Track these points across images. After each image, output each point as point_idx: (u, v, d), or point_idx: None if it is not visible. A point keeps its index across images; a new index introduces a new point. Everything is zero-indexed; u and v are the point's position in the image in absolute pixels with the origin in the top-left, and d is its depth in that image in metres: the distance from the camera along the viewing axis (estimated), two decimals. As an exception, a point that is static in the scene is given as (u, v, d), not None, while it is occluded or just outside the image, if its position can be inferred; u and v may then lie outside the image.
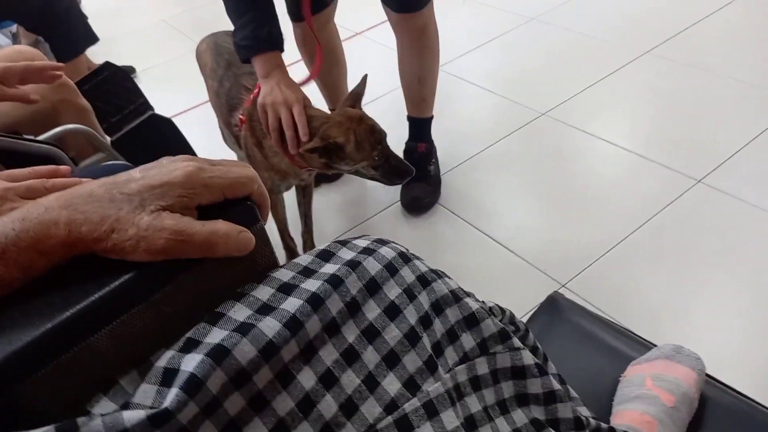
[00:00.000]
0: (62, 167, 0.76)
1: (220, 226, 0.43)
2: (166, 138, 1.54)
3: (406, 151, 1.89)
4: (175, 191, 0.43)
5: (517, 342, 0.57)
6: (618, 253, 1.58)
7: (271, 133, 1.30)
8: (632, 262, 1.55)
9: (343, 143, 1.26)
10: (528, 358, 0.56)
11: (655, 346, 0.85)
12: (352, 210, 1.90)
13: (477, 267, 1.62)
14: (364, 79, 1.39)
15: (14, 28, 2.77)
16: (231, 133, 1.58)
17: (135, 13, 3.52)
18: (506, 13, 2.84)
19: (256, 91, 1.38)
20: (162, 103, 1.66)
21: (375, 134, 1.29)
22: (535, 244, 1.65)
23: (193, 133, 1.51)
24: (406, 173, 1.37)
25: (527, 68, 2.45)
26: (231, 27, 1.44)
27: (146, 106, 1.78)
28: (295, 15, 1.74)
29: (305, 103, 1.31)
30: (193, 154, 1.59)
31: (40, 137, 1.31)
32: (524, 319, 1.36)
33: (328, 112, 1.33)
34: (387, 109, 2.28)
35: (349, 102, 1.35)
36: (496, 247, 1.66)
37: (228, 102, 1.50)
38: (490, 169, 1.96)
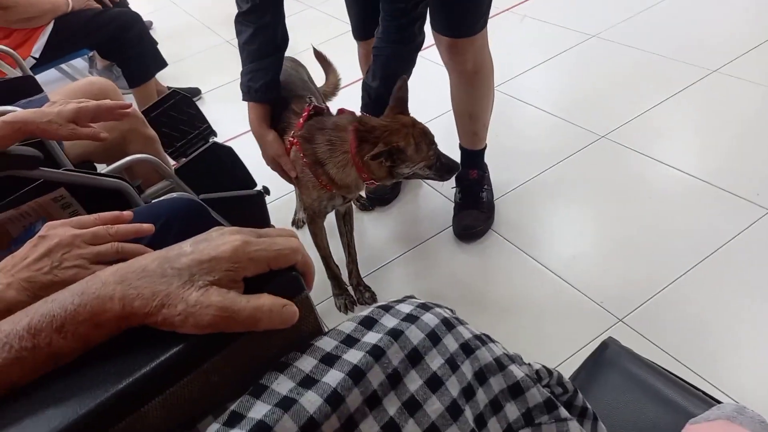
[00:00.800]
0: (125, 213, 0.81)
1: (264, 300, 0.44)
2: (226, 165, 1.59)
3: (457, 178, 1.88)
4: (222, 266, 0.44)
5: (563, 412, 0.55)
6: (681, 287, 1.51)
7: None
8: (696, 297, 1.48)
9: (404, 147, 1.35)
10: (575, 429, 0.55)
11: (716, 401, 0.81)
12: (404, 235, 1.90)
13: (530, 297, 1.59)
14: (404, 82, 1.43)
15: (91, 53, 2.94)
16: None
17: (202, 34, 3.67)
18: (566, 31, 2.79)
19: (305, 114, 1.43)
20: (226, 123, 1.73)
21: (428, 136, 1.40)
22: (591, 275, 1.60)
23: (256, 151, 1.56)
24: (454, 169, 1.47)
25: (587, 88, 2.39)
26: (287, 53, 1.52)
27: (209, 130, 1.86)
28: (360, 35, 1.76)
29: (362, 118, 1.41)
30: (251, 179, 1.64)
31: (110, 167, 1.39)
32: (576, 358, 1.34)
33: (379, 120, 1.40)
34: (440, 131, 2.26)
35: (397, 109, 1.42)
36: (551, 277, 1.63)
37: (277, 125, 1.55)
38: (545, 194, 1.92)
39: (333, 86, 1.93)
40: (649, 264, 1.59)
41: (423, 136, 1.39)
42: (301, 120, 1.44)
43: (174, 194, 1.30)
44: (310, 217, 1.58)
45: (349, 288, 1.70)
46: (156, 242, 0.96)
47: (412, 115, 1.44)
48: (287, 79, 1.58)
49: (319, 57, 1.90)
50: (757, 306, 1.43)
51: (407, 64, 1.42)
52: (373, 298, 1.68)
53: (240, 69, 1.48)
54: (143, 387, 0.42)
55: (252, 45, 1.42)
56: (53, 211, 1.17)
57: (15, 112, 1.11)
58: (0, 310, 0.59)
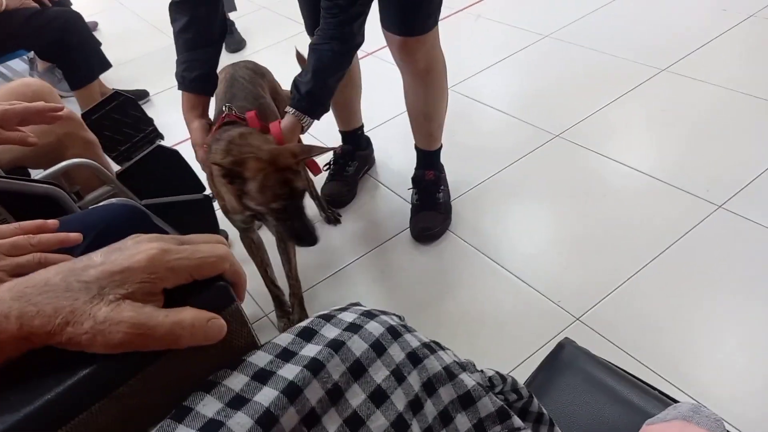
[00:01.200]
0: (50, 222, 0.74)
1: (186, 315, 0.40)
2: (172, 169, 1.53)
3: (414, 179, 1.86)
4: (136, 277, 0.40)
5: (517, 421, 0.53)
6: (636, 284, 1.52)
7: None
8: (652, 294, 1.49)
9: (248, 177, 1.19)
10: (529, 438, 0.52)
11: (674, 401, 0.80)
12: (361, 237, 1.86)
13: (487, 298, 1.58)
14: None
15: (31, 54, 2.80)
16: None
17: (151, 35, 3.55)
18: (519, 31, 2.81)
19: (219, 122, 1.36)
20: (176, 126, 1.65)
21: (285, 188, 1.21)
22: (548, 274, 1.60)
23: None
24: (303, 241, 1.29)
25: (541, 88, 2.41)
26: (251, 57, 1.45)
27: (155, 133, 1.78)
28: (312, 32, 1.71)
29: (248, 133, 1.29)
30: (199, 183, 1.58)
31: (46, 172, 1.31)
32: (535, 358, 1.33)
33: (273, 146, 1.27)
34: (395, 132, 2.26)
35: (306, 151, 1.26)
36: (508, 277, 1.62)
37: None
38: (502, 193, 1.91)
39: None
40: (605, 262, 1.60)
41: (279, 184, 1.20)
42: (214, 127, 1.38)
43: (113, 200, 1.23)
44: (236, 225, 1.47)
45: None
46: (89, 250, 0.90)
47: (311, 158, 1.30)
48: (237, 92, 1.51)
49: (300, 59, 1.84)
50: (711, 300, 1.45)
51: (342, 61, 1.34)
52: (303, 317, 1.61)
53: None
54: (46, 416, 0.37)
55: (186, 34, 1.36)
56: (-22, 221, 1.09)
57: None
58: None
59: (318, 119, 1.37)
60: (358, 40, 1.35)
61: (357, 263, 1.77)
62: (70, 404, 0.38)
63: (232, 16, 3.20)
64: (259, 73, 1.65)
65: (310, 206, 1.96)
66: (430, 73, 1.65)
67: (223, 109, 1.39)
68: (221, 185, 1.30)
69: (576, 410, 0.82)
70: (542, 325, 1.46)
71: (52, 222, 0.76)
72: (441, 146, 1.85)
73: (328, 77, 1.33)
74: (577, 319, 1.46)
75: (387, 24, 1.56)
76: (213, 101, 1.74)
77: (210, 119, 1.45)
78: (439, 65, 1.66)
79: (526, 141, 2.10)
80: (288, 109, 1.34)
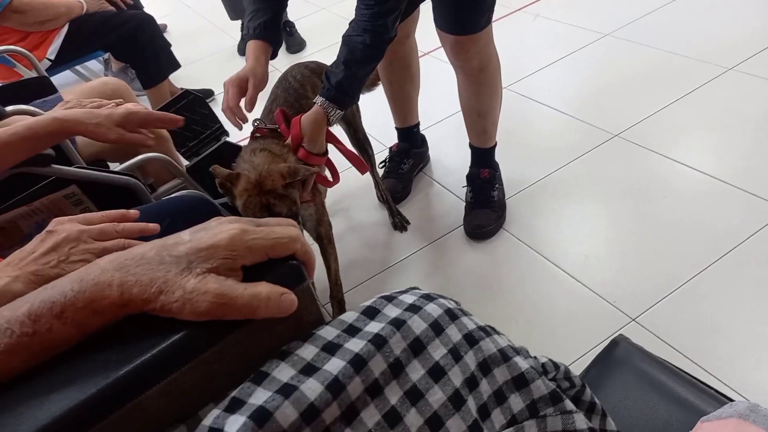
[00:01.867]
0: (131, 211, 0.81)
1: (262, 288, 0.44)
2: (236, 164, 1.60)
3: (468, 177, 1.87)
4: (219, 253, 0.44)
5: (569, 405, 0.54)
6: (695, 286, 1.49)
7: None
8: (711, 297, 1.46)
9: (236, 195, 1.24)
10: (581, 422, 0.54)
11: (730, 399, 0.80)
12: (415, 233, 1.89)
13: (541, 297, 1.58)
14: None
15: (106, 55, 2.97)
16: None
17: (215, 36, 3.69)
18: (579, 30, 2.77)
19: (250, 135, 1.42)
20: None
21: (265, 213, 1.22)
22: (604, 275, 1.58)
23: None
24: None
25: (600, 87, 2.37)
26: (311, 58, 1.49)
27: (221, 130, 1.87)
28: None
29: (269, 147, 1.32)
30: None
31: (122, 165, 1.40)
32: (587, 359, 1.32)
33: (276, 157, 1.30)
34: (450, 131, 2.28)
35: (293, 173, 1.25)
36: (563, 277, 1.61)
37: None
38: (558, 193, 1.90)
39: (371, 81, 1.89)
40: (663, 263, 1.57)
41: (258, 208, 1.22)
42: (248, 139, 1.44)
43: (184, 192, 1.31)
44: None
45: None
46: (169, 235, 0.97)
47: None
48: (282, 93, 1.55)
49: None
50: (773, 305, 1.40)
51: (373, 54, 1.35)
52: (342, 309, 1.62)
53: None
54: (143, 374, 0.42)
55: None
56: (65, 208, 1.19)
57: (66, 111, 1.10)
58: (6, 303, 0.59)
59: (344, 110, 1.38)
60: (390, 34, 1.34)
61: (410, 259, 1.80)
62: (163, 365, 0.43)
63: (292, 17, 3.30)
64: (317, 73, 1.65)
65: (362, 203, 2.00)
66: (483, 72, 1.66)
67: (254, 123, 1.43)
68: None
69: (629, 405, 0.83)
70: (597, 325, 1.45)
71: (134, 211, 0.83)
72: (495, 144, 1.86)
73: (358, 69, 1.34)
74: (633, 319, 1.45)
75: (440, 23, 1.58)
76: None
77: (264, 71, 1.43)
78: (493, 64, 1.67)
79: (584, 140, 2.08)
80: (316, 99, 1.36)
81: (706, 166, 1.83)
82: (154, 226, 0.82)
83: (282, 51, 1.58)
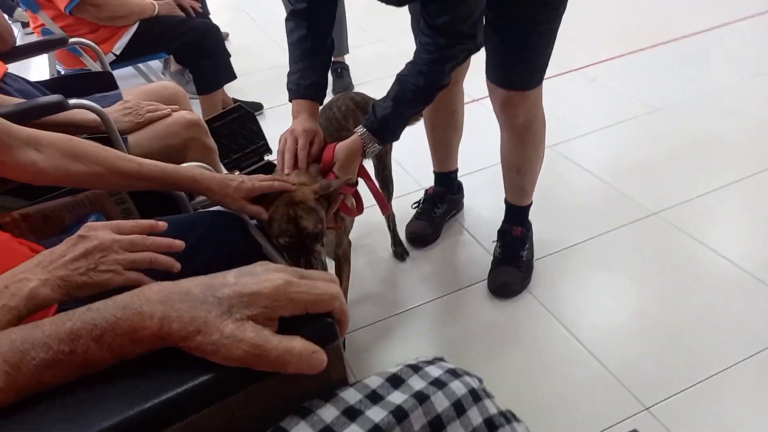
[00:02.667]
0: (160, 223, 0.83)
1: (296, 344, 0.45)
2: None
3: (500, 232, 1.86)
4: (262, 302, 0.45)
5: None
6: (719, 383, 1.45)
7: (278, 157, 1.34)
8: (733, 396, 1.41)
9: (266, 206, 1.20)
10: None
11: None
12: (436, 282, 1.88)
13: (554, 367, 1.55)
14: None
15: (168, 55, 3.07)
16: None
17: (272, 52, 3.79)
18: (632, 100, 2.76)
19: None
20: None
21: (290, 225, 1.19)
22: (623, 356, 1.55)
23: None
24: None
25: (645, 161, 2.35)
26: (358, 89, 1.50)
27: (266, 147, 1.91)
28: None
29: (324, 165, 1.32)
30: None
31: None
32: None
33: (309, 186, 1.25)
34: (488, 181, 2.28)
35: (325, 186, 1.25)
36: (580, 350, 1.58)
37: None
38: (588, 262, 1.88)
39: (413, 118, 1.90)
40: (687, 354, 1.53)
41: (284, 220, 1.19)
42: None
43: (220, 207, 1.33)
44: None
45: None
46: (190, 251, 0.98)
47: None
48: (325, 123, 1.54)
49: None
50: (796, 419, 1.35)
51: (423, 98, 1.36)
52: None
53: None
54: (166, 410, 0.43)
55: (305, 44, 1.39)
56: (108, 205, 1.22)
57: (204, 174, 1.12)
58: (33, 306, 0.61)
59: (382, 146, 1.38)
60: (445, 81, 1.34)
61: (428, 305, 1.79)
62: (188, 403, 0.44)
63: (346, 59, 3.31)
64: (361, 107, 1.65)
65: (381, 241, 2.01)
66: (529, 129, 1.66)
67: None
68: None
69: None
70: (607, 408, 1.42)
71: (162, 223, 0.85)
72: (531, 203, 1.85)
73: (405, 109, 1.34)
74: (647, 408, 1.41)
75: (491, 75, 1.59)
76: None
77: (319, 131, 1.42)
78: (539, 122, 1.67)
79: (621, 213, 2.06)
80: (357, 129, 1.36)
81: (745, 260, 1.79)
82: (179, 243, 0.84)
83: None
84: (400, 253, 1.98)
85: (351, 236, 1.65)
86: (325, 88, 1.44)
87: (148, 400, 0.43)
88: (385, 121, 1.34)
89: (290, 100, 1.43)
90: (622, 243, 1.94)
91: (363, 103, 1.67)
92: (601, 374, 1.50)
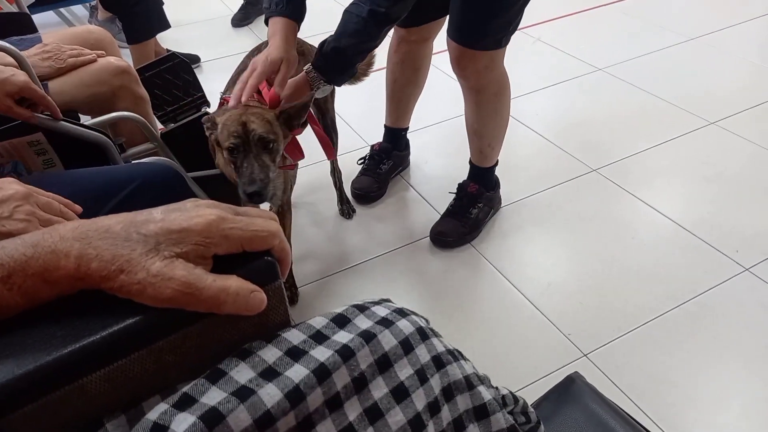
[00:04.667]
0: (76, 206, 0.77)
1: (232, 283, 0.41)
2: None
3: (458, 186, 1.86)
4: (192, 238, 0.41)
5: (525, 443, 0.53)
6: (649, 331, 1.51)
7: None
8: (663, 343, 1.48)
9: (218, 123, 1.23)
10: (534, 461, 0.53)
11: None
12: (382, 238, 1.87)
13: (498, 318, 1.58)
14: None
15: (94, 1, 2.86)
16: None
17: (210, 2, 3.60)
18: (575, 60, 2.79)
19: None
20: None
21: (240, 126, 1.20)
22: (563, 305, 1.59)
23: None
24: (245, 187, 1.21)
25: (586, 120, 2.39)
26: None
27: (203, 100, 1.81)
28: (405, 20, 1.58)
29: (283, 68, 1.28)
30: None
31: (96, 120, 1.34)
32: (534, 387, 1.33)
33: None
34: (435, 139, 2.27)
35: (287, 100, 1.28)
36: (523, 302, 1.61)
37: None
38: (530, 218, 1.91)
39: (366, 66, 1.82)
40: (622, 303, 1.59)
41: (235, 123, 1.20)
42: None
43: (155, 158, 1.26)
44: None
45: None
46: (126, 204, 0.92)
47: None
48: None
49: None
50: (723, 363, 1.43)
51: (367, 32, 1.31)
52: (295, 300, 1.63)
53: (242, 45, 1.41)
54: (88, 356, 0.39)
55: None
56: (27, 155, 1.13)
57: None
58: None
59: (331, 84, 1.34)
60: (390, 13, 1.30)
61: (374, 261, 1.78)
62: (112, 348, 0.40)
63: None
64: (299, 51, 1.57)
65: (327, 199, 1.97)
66: (480, 93, 1.65)
67: (222, 95, 1.40)
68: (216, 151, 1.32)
69: (576, 445, 0.82)
70: (549, 355, 1.46)
71: (78, 207, 0.78)
72: (494, 165, 1.83)
73: (347, 44, 1.30)
74: (585, 355, 1.46)
75: (449, 28, 1.56)
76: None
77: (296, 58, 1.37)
78: (493, 88, 1.64)
79: (562, 170, 2.09)
80: (306, 66, 1.34)
81: (677, 214, 1.87)
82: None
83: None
84: (346, 210, 1.95)
85: (295, 194, 1.61)
86: (304, 6, 1.35)
87: (66, 346, 0.39)
88: (327, 58, 1.30)
89: (266, 22, 1.35)
90: (562, 199, 1.98)
91: (299, 46, 1.61)
92: (543, 324, 1.55)
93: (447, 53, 1.60)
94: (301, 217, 1.96)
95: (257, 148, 1.21)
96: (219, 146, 1.27)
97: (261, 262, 0.45)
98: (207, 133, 1.28)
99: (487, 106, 1.68)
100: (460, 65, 1.58)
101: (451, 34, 1.55)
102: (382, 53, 1.79)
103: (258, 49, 1.58)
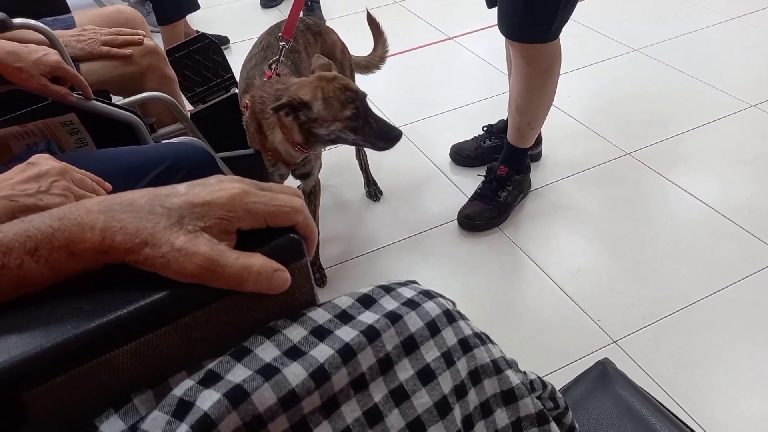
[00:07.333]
0: (107, 184, 0.77)
1: (255, 261, 0.41)
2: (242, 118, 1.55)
3: (488, 168, 1.83)
4: (215, 212, 0.41)
5: (554, 428, 0.52)
6: (682, 318, 1.48)
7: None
8: (695, 331, 1.45)
9: (309, 100, 1.21)
10: (563, 447, 0.52)
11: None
12: (411, 218, 1.86)
13: (527, 303, 1.56)
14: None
15: (125, -17, 2.88)
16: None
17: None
18: (609, 41, 2.72)
19: (266, 77, 1.37)
20: (249, 78, 1.68)
21: (348, 92, 1.22)
22: (593, 292, 1.57)
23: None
24: (388, 135, 1.27)
25: (620, 102, 2.33)
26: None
27: (232, 80, 1.81)
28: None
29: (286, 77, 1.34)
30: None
31: (127, 100, 1.35)
32: (562, 372, 1.31)
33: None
34: (461, 120, 2.23)
35: (324, 68, 1.31)
36: (552, 287, 1.59)
37: (245, 81, 1.49)
38: (560, 202, 1.87)
39: (379, 58, 1.83)
40: (654, 290, 1.56)
41: (340, 91, 1.22)
42: (261, 81, 1.39)
43: (185, 138, 1.26)
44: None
45: None
46: (156, 184, 0.93)
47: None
48: (273, 41, 1.51)
49: (372, 23, 1.79)
50: (758, 352, 1.39)
51: None
52: (323, 281, 1.64)
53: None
54: (116, 330, 0.39)
55: None
56: (60, 135, 1.14)
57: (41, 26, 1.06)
58: None
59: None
60: None
61: (400, 244, 1.77)
62: (138, 323, 0.40)
63: None
64: (313, 31, 1.62)
65: (353, 182, 1.97)
66: (531, 65, 1.60)
67: (272, 66, 1.38)
68: (272, 133, 1.33)
69: (604, 432, 0.81)
70: (577, 341, 1.44)
71: (108, 185, 0.79)
72: (528, 148, 1.79)
73: None
74: (615, 341, 1.43)
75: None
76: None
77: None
78: (545, 62, 1.61)
79: (595, 153, 2.05)
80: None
81: (714, 199, 1.81)
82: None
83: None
84: (373, 192, 1.94)
85: (321, 176, 1.62)
86: None
87: (94, 320, 0.39)
88: None
89: None
90: (594, 182, 1.93)
91: (314, 26, 1.63)
92: (572, 310, 1.52)
93: (479, 33, 1.57)
94: (326, 198, 1.96)
95: (366, 102, 1.26)
96: (297, 121, 1.25)
97: (285, 240, 0.44)
98: (290, 117, 1.24)
99: (534, 82, 1.64)
100: (517, 46, 1.57)
101: (505, 32, 1.57)
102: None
103: (278, 27, 1.57)
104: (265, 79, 1.37)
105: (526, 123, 1.72)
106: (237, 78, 1.73)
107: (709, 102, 2.25)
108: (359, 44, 1.88)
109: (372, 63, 1.81)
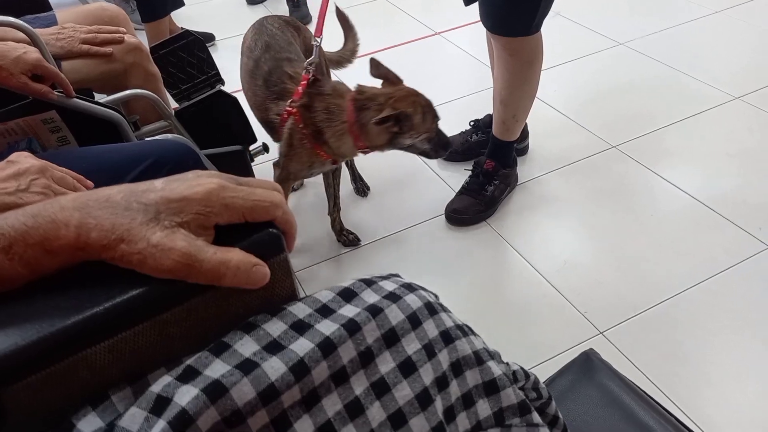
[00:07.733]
0: (88, 182, 0.77)
1: (233, 256, 0.41)
2: (228, 115, 1.54)
3: (475, 162, 1.84)
4: (192, 208, 0.41)
5: (536, 417, 0.52)
6: (667, 309, 1.49)
7: None
8: (681, 322, 1.46)
9: (411, 114, 1.37)
10: (545, 437, 0.52)
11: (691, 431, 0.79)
12: (398, 213, 1.86)
13: (513, 295, 1.57)
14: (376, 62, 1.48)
15: (108, -20, 2.85)
16: (265, 119, 1.57)
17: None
18: (595, 35, 2.73)
19: (304, 81, 1.40)
20: (236, 74, 1.68)
21: (433, 108, 1.44)
22: (579, 283, 1.58)
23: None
24: (448, 146, 1.51)
25: (605, 96, 2.34)
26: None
27: (217, 78, 1.81)
28: None
29: (361, 86, 1.44)
30: (251, 133, 1.59)
31: (110, 98, 1.34)
32: (549, 364, 1.32)
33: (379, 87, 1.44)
34: (447, 115, 2.23)
35: (389, 80, 1.45)
36: (538, 279, 1.60)
37: (268, 87, 1.51)
38: (546, 195, 1.88)
39: (350, 53, 1.85)
40: (640, 281, 1.57)
41: (428, 107, 1.42)
42: (300, 87, 1.42)
43: (169, 135, 1.25)
44: (284, 178, 1.55)
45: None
46: (140, 181, 0.92)
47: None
48: (270, 40, 1.55)
49: (342, 18, 1.82)
50: (743, 342, 1.41)
51: None
52: (357, 239, 1.73)
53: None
54: (92, 327, 0.39)
55: None
56: (41, 133, 1.13)
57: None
58: None
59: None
60: None
61: (388, 239, 1.78)
62: (116, 320, 0.39)
63: None
64: (293, 26, 1.69)
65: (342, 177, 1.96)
66: (513, 57, 1.61)
67: (306, 67, 1.42)
68: (338, 140, 1.42)
69: (589, 422, 0.82)
70: (564, 333, 1.45)
71: (89, 183, 0.79)
72: (514, 141, 1.80)
73: None
74: (601, 332, 1.44)
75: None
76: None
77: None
78: (527, 54, 1.62)
79: (580, 146, 2.06)
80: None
81: (699, 191, 1.82)
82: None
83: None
84: (360, 188, 1.94)
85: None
86: None
87: (70, 317, 0.38)
88: None
89: None
90: (580, 175, 1.95)
91: (291, 20, 1.72)
92: (559, 301, 1.53)
93: (465, 29, 1.58)
94: (313, 195, 1.95)
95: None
96: (319, 132, 1.42)
97: (264, 234, 0.44)
98: (394, 129, 1.38)
99: (518, 74, 1.65)
100: (498, 41, 1.59)
101: (488, 26, 1.59)
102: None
103: (262, 26, 1.58)
104: (308, 89, 1.41)
105: (511, 115, 1.73)
106: (221, 75, 1.73)
107: (694, 95, 2.27)
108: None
109: (343, 58, 1.82)
